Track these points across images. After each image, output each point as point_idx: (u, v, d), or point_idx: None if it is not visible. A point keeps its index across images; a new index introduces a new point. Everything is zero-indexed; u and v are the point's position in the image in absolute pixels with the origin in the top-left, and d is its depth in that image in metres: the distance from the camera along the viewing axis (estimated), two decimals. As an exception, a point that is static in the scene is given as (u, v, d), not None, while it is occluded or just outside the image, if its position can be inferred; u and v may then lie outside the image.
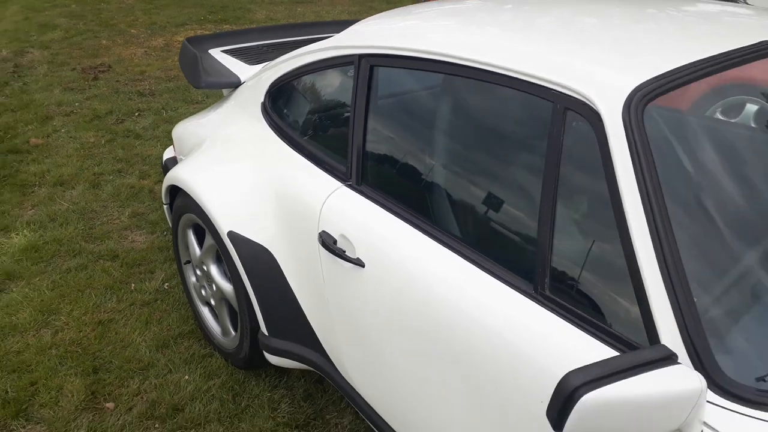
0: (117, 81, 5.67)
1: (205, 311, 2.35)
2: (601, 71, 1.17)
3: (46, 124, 4.60)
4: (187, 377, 2.21)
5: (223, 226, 1.89)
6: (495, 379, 1.20)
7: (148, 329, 2.46)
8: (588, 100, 1.14)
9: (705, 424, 0.94)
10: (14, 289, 2.70)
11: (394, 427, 1.60)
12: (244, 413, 2.06)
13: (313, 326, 1.82)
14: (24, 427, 2.02)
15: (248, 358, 2.09)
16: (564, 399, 0.84)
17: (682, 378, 0.87)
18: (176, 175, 2.12)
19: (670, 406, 0.86)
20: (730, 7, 1.52)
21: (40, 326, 2.48)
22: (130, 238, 3.14)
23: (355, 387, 1.74)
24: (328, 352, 1.81)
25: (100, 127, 4.55)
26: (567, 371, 0.98)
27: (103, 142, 4.31)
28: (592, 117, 1.13)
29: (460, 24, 1.52)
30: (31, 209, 3.39)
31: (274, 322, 1.89)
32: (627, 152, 1.07)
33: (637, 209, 1.05)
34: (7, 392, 2.14)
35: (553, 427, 0.88)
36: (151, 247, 3.04)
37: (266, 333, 1.93)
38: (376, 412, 1.66)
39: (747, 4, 4.44)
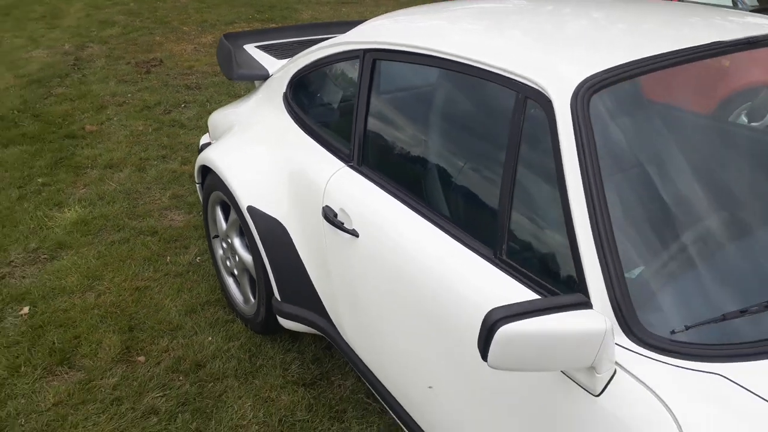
0: (167, 75, 6.03)
1: (230, 281, 2.59)
2: (557, 65, 1.33)
3: (101, 112, 4.97)
4: (210, 339, 2.46)
5: (244, 201, 2.12)
6: (462, 332, 1.38)
7: (179, 296, 2.72)
8: (543, 89, 1.31)
9: (618, 365, 1.11)
10: (64, 257, 3.01)
11: (388, 388, 1.79)
12: (258, 371, 2.29)
13: (318, 293, 2.03)
14: (67, 373, 2.30)
15: (264, 323, 2.31)
16: (487, 330, 1.02)
17: (590, 320, 1.03)
18: (206, 157, 2.36)
19: (579, 343, 1.03)
20: (693, 8, 1.65)
21: (86, 289, 2.77)
22: (169, 216, 3.42)
23: (355, 350, 1.94)
24: (331, 317, 2.02)
25: (149, 117, 4.89)
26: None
27: (150, 130, 4.63)
28: (546, 104, 1.30)
29: (448, 23, 1.70)
30: (83, 188, 3.72)
31: (286, 289, 2.11)
32: (572, 135, 1.24)
33: (577, 185, 1.21)
34: (54, 343, 2.43)
35: (481, 356, 1.05)
36: (188, 225, 3.31)
37: (279, 299, 2.15)
38: (373, 374, 1.85)
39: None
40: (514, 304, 1.03)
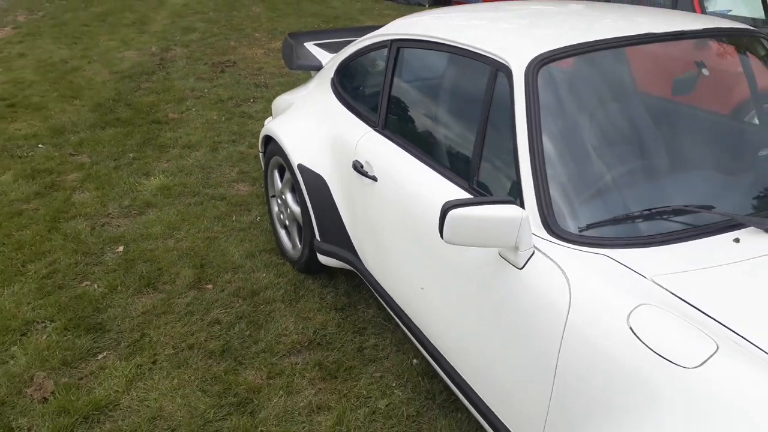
0: (239, 74, 6.76)
1: (282, 233, 3.17)
2: (518, 46, 1.83)
3: (181, 104, 5.71)
4: (264, 275, 3.03)
5: (295, 159, 2.69)
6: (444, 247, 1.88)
7: (241, 245, 3.32)
8: (507, 63, 1.80)
9: (537, 249, 1.59)
10: (151, 213, 3.67)
11: (395, 299, 2.30)
12: (300, 299, 2.84)
13: (348, 231, 2.57)
14: (151, 293, 2.91)
15: (307, 262, 2.87)
16: (442, 214, 1.52)
17: (511, 210, 1.51)
18: (268, 127, 2.96)
19: (504, 225, 1.51)
20: (640, 9, 2.09)
21: (167, 237, 3.41)
22: (236, 187, 4.05)
23: (373, 275, 2.46)
24: (357, 250, 2.55)
25: (222, 108, 5.60)
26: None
27: (223, 119, 5.33)
28: (508, 74, 1.79)
29: (449, 19, 2.22)
30: (165, 163, 4.41)
31: (324, 231, 2.66)
32: (523, 96, 1.73)
33: (523, 131, 1.70)
34: (142, 272, 3.06)
35: (440, 236, 1.56)
36: (251, 194, 3.93)
37: (319, 239, 2.70)
38: (386, 292, 2.37)
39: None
40: (462, 198, 1.53)
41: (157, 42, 8.33)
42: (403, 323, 2.26)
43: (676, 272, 1.45)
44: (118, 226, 3.55)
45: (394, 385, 2.34)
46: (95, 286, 2.96)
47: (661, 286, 1.41)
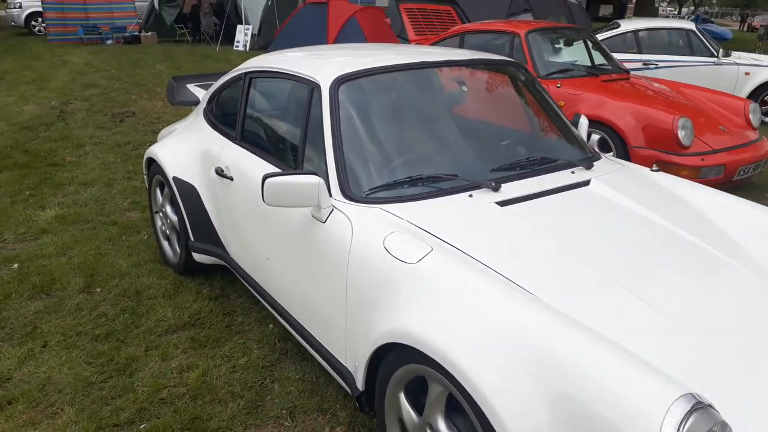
0: (138, 123, 7.20)
1: (165, 244, 3.63)
2: (327, 70, 2.48)
3: (79, 149, 6.08)
4: (148, 279, 3.47)
5: (170, 173, 3.21)
6: (273, 210, 2.45)
7: (129, 258, 3.74)
8: (318, 83, 2.45)
9: (335, 208, 2.19)
10: (45, 238, 4.03)
11: (254, 277, 2.82)
12: (179, 294, 3.30)
13: (216, 228, 3.10)
14: (44, 298, 3.28)
15: (185, 263, 3.35)
16: (261, 183, 2.10)
17: (311, 178, 2.11)
18: (149, 150, 3.47)
19: (307, 189, 2.10)
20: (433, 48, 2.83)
21: (60, 255, 3.78)
22: (127, 215, 4.48)
23: (237, 262, 2.98)
24: (223, 243, 3.07)
25: (119, 152, 6.01)
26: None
27: (119, 161, 5.74)
28: (319, 90, 2.43)
29: (283, 56, 2.88)
30: (62, 197, 4.77)
31: (197, 231, 3.17)
32: (328, 105, 2.36)
33: (328, 128, 2.33)
34: (36, 282, 3.42)
35: (263, 201, 2.13)
36: (141, 219, 4.37)
37: (193, 239, 3.21)
38: (248, 274, 2.89)
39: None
40: (277, 171, 2.12)
41: (57, 97, 8.62)
42: (259, 295, 2.79)
43: (421, 215, 2.09)
44: (14, 249, 3.88)
45: (254, 347, 2.84)
46: (-10, 294, 3.29)
47: (408, 221, 2.04)
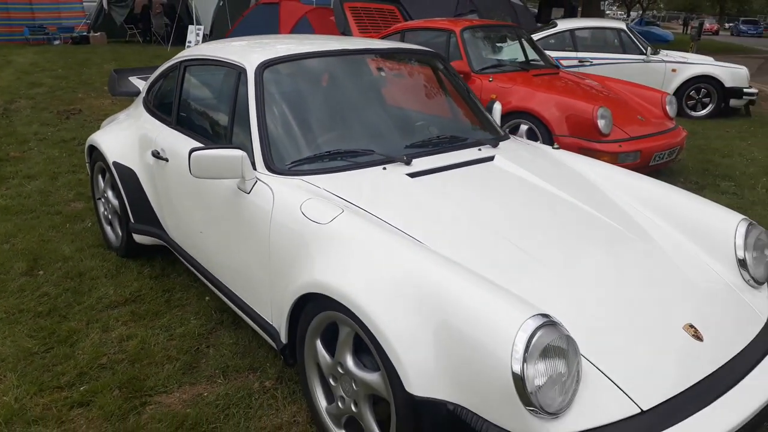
0: (84, 120, 7.23)
1: (108, 229, 3.77)
2: (253, 57, 2.69)
3: (24, 145, 6.10)
4: (91, 262, 3.60)
5: (110, 159, 3.36)
6: (203, 185, 2.64)
7: (73, 244, 3.86)
8: (245, 67, 2.65)
9: (259, 179, 2.40)
10: (-11, 227, 4.11)
11: (190, 253, 3.00)
12: (121, 274, 3.45)
13: (154, 208, 3.26)
14: (-13, 281, 3.39)
15: (126, 245, 3.50)
16: (188, 156, 2.29)
17: (235, 152, 2.31)
18: (91, 138, 3.61)
19: (230, 162, 2.31)
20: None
21: (3, 243, 3.87)
22: (72, 205, 4.58)
23: (174, 240, 3.15)
24: (161, 222, 3.24)
25: (64, 147, 6.07)
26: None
27: (64, 155, 5.80)
28: (245, 74, 2.64)
29: (219, 44, 3.07)
30: (5, 190, 4.83)
31: (137, 213, 3.33)
32: (254, 87, 2.57)
33: (253, 107, 2.53)
34: (-22, 267, 3.52)
35: (191, 173, 2.32)
36: (85, 209, 4.48)
37: (133, 221, 3.36)
38: (185, 250, 3.06)
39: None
40: (203, 145, 2.32)
41: (1, 95, 8.55)
42: (195, 268, 2.97)
43: (337, 184, 2.32)
44: (-44, 238, 3.95)
45: (191, 318, 3.02)
46: (-68, 279, 3.38)
47: (325, 189, 2.27)
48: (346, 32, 7.51)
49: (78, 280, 3.39)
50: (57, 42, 16.58)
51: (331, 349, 2.12)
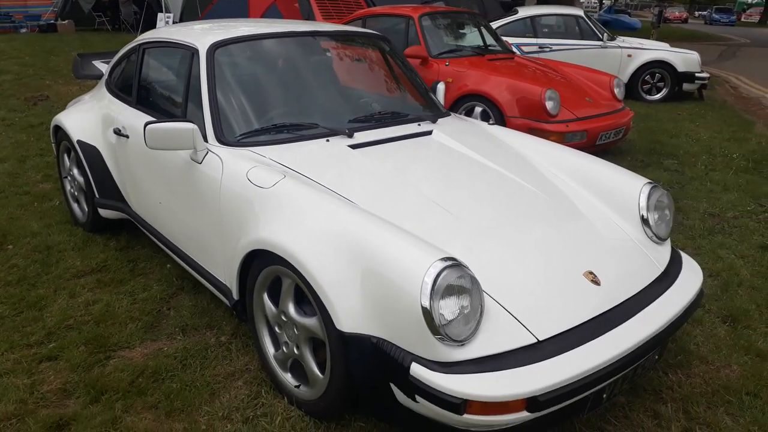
0: (52, 106, 7.32)
1: (75, 206, 3.95)
2: (205, 38, 2.89)
3: (-9, 130, 6.20)
4: (58, 237, 3.78)
5: (74, 137, 3.54)
6: (161, 156, 2.85)
7: (41, 221, 4.03)
8: (197, 48, 2.86)
9: (210, 151, 2.61)
10: (-42, 206, 4.25)
11: (152, 225, 3.20)
12: (87, 247, 3.64)
13: (117, 183, 3.46)
14: (-42, 255, 3.55)
15: (92, 220, 3.69)
16: (143, 130, 2.50)
17: (186, 125, 2.52)
18: (56, 118, 3.78)
19: (182, 134, 2.52)
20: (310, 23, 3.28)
21: (-27, 220, 4.03)
22: (40, 186, 4.73)
23: (137, 212, 3.35)
24: (124, 196, 3.44)
25: (32, 132, 6.18)
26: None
27: (32, 140, 5.92)
28: (197, 54, 2.84)
29: (175, 28, 3.27)
30: (-27, 172, 4.95)
31: (101, 188, 3.52)
32: (205, 67, 2.78)
33: (204, 84, 2.74)
34: (-51, 243, 3.68)
35: (146, 145, 2.53)
36: (53, 189, 4.63)
37: (98, 196, 3.55)
38: (146, 222, 3.27)
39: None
40: (158, 119, 2.53)
41: (-33, 82, 8.55)
42: (156, 238, 3.18)
43: (282, 154, 2.55)
44: (-74, 217, 4.09)
45: (154, 285, 3.23)
46: None
47: (270, 158, 2.50)
48: (310, 18, 7.68)
49: (46, 253, 3.57)
50: (24, 30, 16.42)
51: (276, 300, 2.36)
